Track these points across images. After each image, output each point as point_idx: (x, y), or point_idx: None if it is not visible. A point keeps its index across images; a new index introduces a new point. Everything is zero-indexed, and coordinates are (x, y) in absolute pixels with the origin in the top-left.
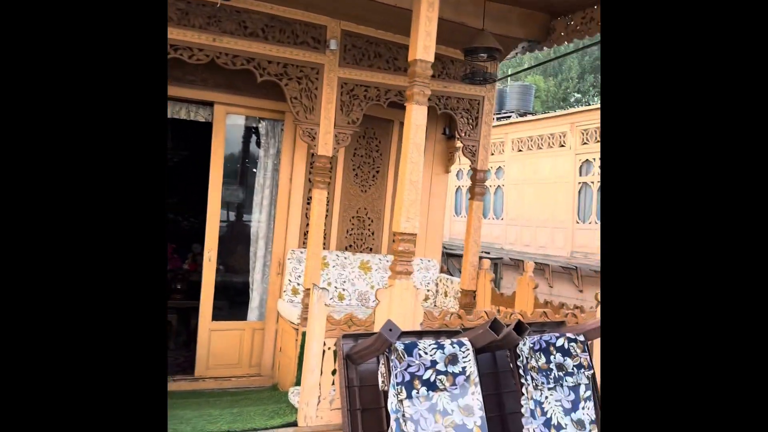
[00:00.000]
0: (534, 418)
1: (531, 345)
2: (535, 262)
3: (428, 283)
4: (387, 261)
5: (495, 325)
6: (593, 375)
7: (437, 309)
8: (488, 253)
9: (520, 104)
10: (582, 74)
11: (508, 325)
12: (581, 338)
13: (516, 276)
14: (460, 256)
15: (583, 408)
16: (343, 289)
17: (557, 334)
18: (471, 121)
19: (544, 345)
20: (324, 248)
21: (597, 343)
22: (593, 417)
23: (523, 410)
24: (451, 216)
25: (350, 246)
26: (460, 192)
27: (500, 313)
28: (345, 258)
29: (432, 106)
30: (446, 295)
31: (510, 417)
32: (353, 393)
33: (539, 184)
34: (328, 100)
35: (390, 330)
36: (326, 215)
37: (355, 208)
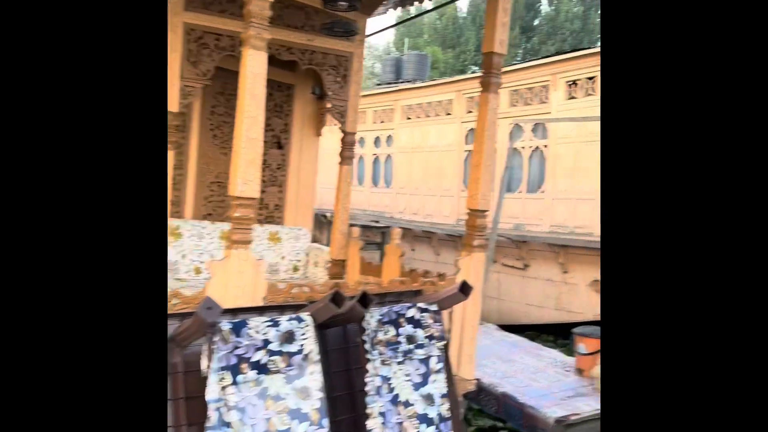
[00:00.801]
0: (380, 395)
1: (379, 317)
2: (423, 230)
3: (298, 254)
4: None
5: (336, 298)
6: (446, 345)
7: (306, 280)
8: (377, 222)
9: (416, 73)
10: (479, 47)
11: (353, 298)
12: (434, 307)
13: (403, 244)
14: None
15: (434, 381)
16: (201, 262)
17: (409, 305)
18: (339, 79)
19: (393, 317)
20: (177, 217)
21: (459, 310)
22: (444, 390)
23: (368, 388)
24: None
25: (210, 215)
26: None
27: (369, 283)
28: (203, 228)
29: (294, 61)
30: (317, 266)
31: (360, 395)
32: (177, 380)
33: (427, 152)
34: (171, 48)
35: (209, 308)
36: (179, 180)
37: (214, 172)
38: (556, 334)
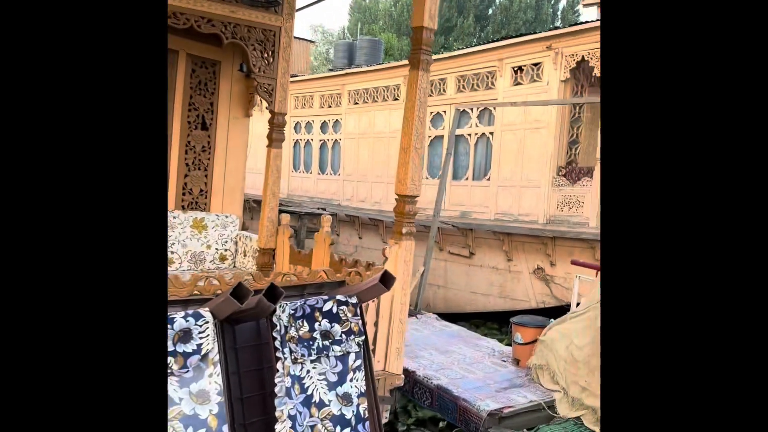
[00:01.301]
0: (291, 397)
1: (292, 312)
2: (370, 218)
3: (226, 242)
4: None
5: (239, 292)
6: (365, 341)
7: (234, 270)
8: (324, 209)
9: (369, 59)
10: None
11: (258, 291)
12: (353, 300)
13: (351, 233)
14: (296, 213)
15: (351, 380)
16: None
17: (325, 297)
18: (266, 55)
19: (308, 311)
20: None
21: (387, 302)
22: (362, 389)
23: (277, 389)
24: (289, 171)
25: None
26: (298, 145)
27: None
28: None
29: (217, 34)
30: (245, 255)
31: (273, 396)
32: None
33: (375, 138)
34: None
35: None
36: None
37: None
38: (501, 322)
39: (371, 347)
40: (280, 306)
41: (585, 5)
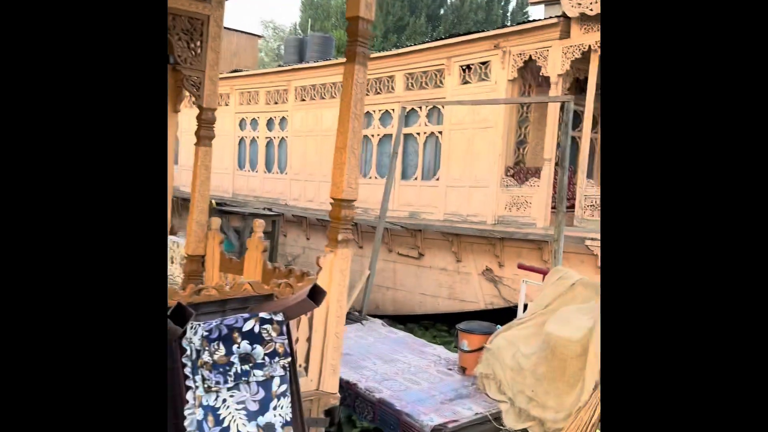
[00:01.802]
0: (203, 430)
1: (206, 333)
2: (318, 219)
3: None
4: None
5: None
6: (292, 363)
7: None
8: (271, 209)
9: (320, 56)
10: (386, 33)
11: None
12: (279, 317)
13: (298, 233)
14: (240, 214)
15: (275, 408)
16: None
17: (246, 316)
18: (193, 45)
19: (225, 331)
20: None
21: (322, 315)
22: (288, 417)
23: (187, 423)
24: (234, 169)
25: None
26: (243, 143)
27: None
28: None
29: None
30: (173, 262)
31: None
32: None
33: (322, 136)
34: None
35: None
36: None
37: None
38: (451, 324)
39: (303, 365)
40: (191, 327)
41: (531, 3)
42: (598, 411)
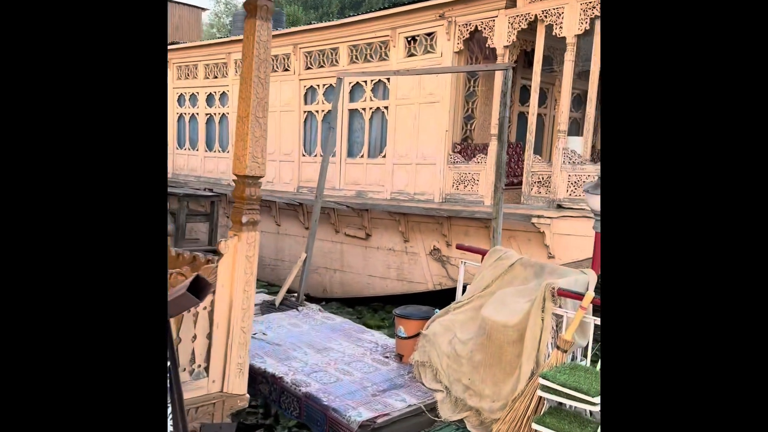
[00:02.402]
0: None
1: None
2: (262, 199)
3: None
4: None
5: None
6: (173, 367)
7: None
8: (212, 190)
9: None
10: (342, 9)
11: None
12: None
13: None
14: (172, 195)
15: None
16: None
17: None
18: None
19: None
20: None
21: (224, 308)
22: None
23: None
24: (173, 148)
25: None
26: (183, 119)
27: None
28: None
29: None
30: None
31: None
32: None
33: None
34: None
35: None
36: None
37: None
38: (401, 304)
39: (202, 365)
40: None
41: None
42: (534, 401)
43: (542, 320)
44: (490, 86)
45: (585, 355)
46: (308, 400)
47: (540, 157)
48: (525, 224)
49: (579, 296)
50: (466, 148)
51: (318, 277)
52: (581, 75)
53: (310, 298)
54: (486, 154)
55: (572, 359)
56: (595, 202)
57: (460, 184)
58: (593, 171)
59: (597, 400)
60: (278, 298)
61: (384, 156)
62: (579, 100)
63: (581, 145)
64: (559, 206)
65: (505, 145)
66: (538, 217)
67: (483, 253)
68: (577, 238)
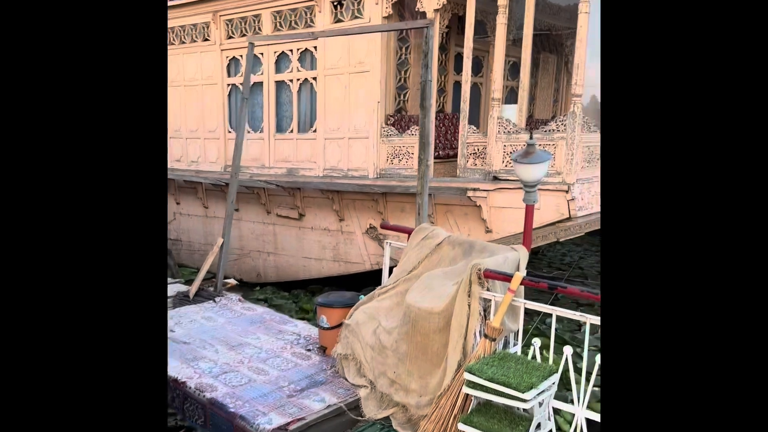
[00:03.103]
0: None
1: None
2: (185, 180)
3: None
4: None
5: None
6: None
7: None
8: None
9: None
10: None
11: None
12: None
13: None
14: None
15: None
16: None
17: None
18: None
19: None
20: None
21: None
22: None
23: None
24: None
25: None
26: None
27: None
28: None
29: None
30: None
31: None
32: None
33: (186, 86)
34: None
35: None
36: None
37: None
38: (341, 286)
39: None
40: None
41: None
42: (462, 397)
43: (469, 306)
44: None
45: (518, 339)
46: (213, 407)
47: (475, 128)
48: (461, 198)
49: (508, 278)
50: (400, 119)
51: (251, 261)
52: (517, 42)
53: (244, 284)
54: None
55: (504, 345)
56: (524, 172)
57: (394, 158)
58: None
59: (528, 395)
60: (192, 290)
61: (315, 130)
62: (516, 68)
63: (516, 113)
64: (495, 178)
65: (429, 113)
66: (474, 190)
67: (409, 232)
68: (514, 210)
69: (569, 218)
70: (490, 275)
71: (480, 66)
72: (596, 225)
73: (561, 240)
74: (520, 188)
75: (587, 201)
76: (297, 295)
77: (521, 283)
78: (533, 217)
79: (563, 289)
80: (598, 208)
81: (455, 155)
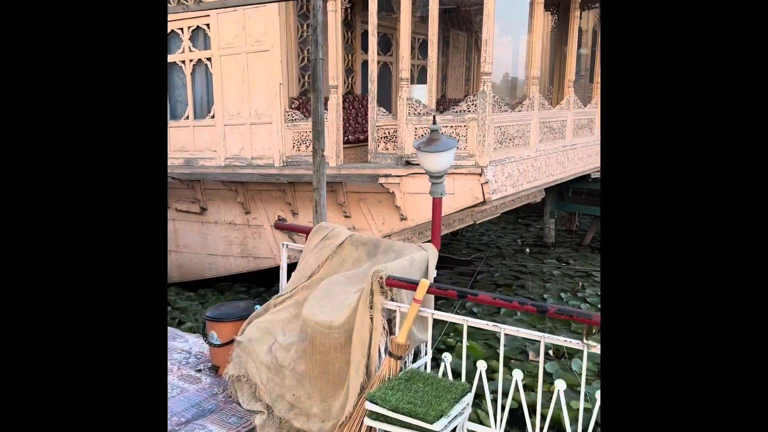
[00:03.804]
0: None
1: None
2: None
3: None
4: None
5: None
6: None
7: None
8: None
9: None
10: None
11: None
12: None
13: None
14: None
15: None
16: None
17: None
18: None
19: None
20: None
21: None
22: None
23: None
24: None
25: None
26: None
27: None
28: None
29: None
30: None
31: None
32: None
33: None
34: None
35: None
36: None
37: None
38: (251, 282)
39: None
40: None
41: None
42: (365, 429)
43: (371, 319)
44: (325, 29)
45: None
46: None
47: (385, 110)
48: (374, 185)
49: (413, 285)
50: (305, 102)
51: None
52: (425, 19)
53: None
54: (326, 108)
55: (415, 357)
56: (428, 161)
57: (301, 145)
58: (440, 122)
59: (438, 426)
60: None
61: (213, 116)
62: (426, 46)
63: (426, 94)
64: (408, 162)
65: (321, 95)
66: (386, 176)
67: (307, 231)
68: (427, 196)
69: (484, 202)
70: (394, 283)
71: (389, 44)
72: (512, 205)
73: (477, 222)
74: None
75: (501, 183)
76: (204, 295)
77: (428, 292)
78: (441, 211)
79: (474, 296)
80: (512, 190)
81: (366, 139)
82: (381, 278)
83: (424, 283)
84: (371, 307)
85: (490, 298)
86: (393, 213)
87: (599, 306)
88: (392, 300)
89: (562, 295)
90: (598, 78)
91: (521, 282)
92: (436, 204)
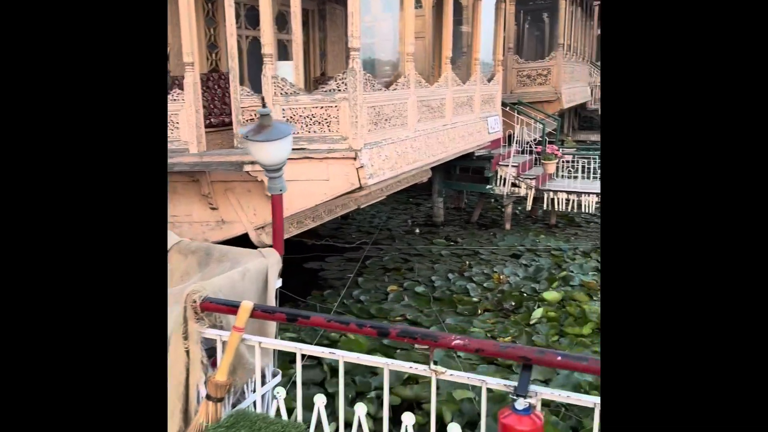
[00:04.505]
0: None
1: None
2: None
3: None
4: None
5: None
6: None
7: None
8: None
9: None
10: None
11: None
12: None
13: None
14: None
15: None
16: None
17: None
18: None
19: None
20: None
21: None
22: None
23: None
24: None
25: None
26: None
27: None
28: None
29: None
30: None
31: None
32: None
33: None
34: None
35: None
36: None
37: None
38: None
39: None
40: None
41: None
42: None
43: (187, 352)
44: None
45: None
46: None
47: (250, 90)
48: (240, 174)
49: (233, 309)
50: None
51: None
52: None
53: None
54: (182, 89)
55: (246, 392)
56: (260, 152)
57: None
58: (309, 102)
59: None
60: None
61: None
62: (284, 19)
63: (293, 71)
64: None
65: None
66: (252, 163)
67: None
68: (300, 183)
69: (361, 188)
70: (210, 307)
71: (258, 19)
72: (398, 187)
73: (362, 206)
74: (306, 158)
75: (378, 167)
76: None
77: (252, 316)
78: (282, 211)
79: (305, 320)
80: (391, 174)
81: (228, 123)
82: (195, 302)
83: (245, 307)
84: (186, 338)
85: (324, 321)
86: (265, 203)
87: (485, 285)
88: (215, 327)
89: (450, 275)
90: (477, 54)
91: (410, 265)
92: (276, 202)
